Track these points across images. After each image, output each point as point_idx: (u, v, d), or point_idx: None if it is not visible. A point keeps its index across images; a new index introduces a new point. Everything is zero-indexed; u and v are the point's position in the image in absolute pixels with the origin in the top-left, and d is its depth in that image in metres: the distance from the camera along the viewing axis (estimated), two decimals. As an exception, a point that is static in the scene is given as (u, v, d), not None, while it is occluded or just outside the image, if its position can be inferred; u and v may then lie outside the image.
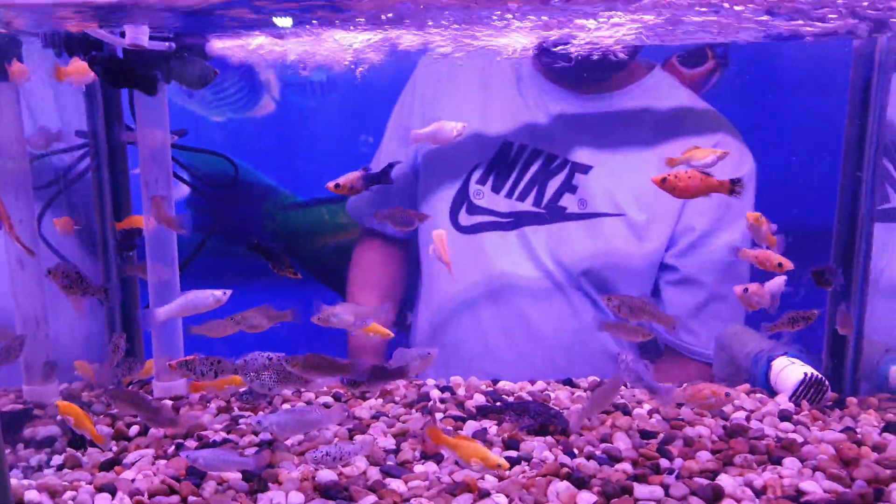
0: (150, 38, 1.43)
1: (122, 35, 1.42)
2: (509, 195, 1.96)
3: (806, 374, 1.51)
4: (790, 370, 1.55)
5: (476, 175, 1.95)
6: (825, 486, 1.15)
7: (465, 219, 1.98)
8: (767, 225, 1.37)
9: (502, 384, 1.68)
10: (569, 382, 1.69)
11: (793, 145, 2.57)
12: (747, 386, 1.62)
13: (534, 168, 1.94)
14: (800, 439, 1.32)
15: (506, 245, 1.95)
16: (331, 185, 1.43)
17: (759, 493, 1.14)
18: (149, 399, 1.30)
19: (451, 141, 1.52)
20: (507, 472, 1.21)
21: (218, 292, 1.30)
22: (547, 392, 1.62)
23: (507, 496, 1.12)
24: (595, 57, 1.70)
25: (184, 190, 1.96)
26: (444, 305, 1.97)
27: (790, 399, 1.51)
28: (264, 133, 2.83)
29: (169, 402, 1.50)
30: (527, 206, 1.94)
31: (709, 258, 1.90)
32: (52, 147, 1.62)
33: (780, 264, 1.36)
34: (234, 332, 1.30)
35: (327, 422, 1.31)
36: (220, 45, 1.60)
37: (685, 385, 1.35)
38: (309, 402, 1.55)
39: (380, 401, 1.58)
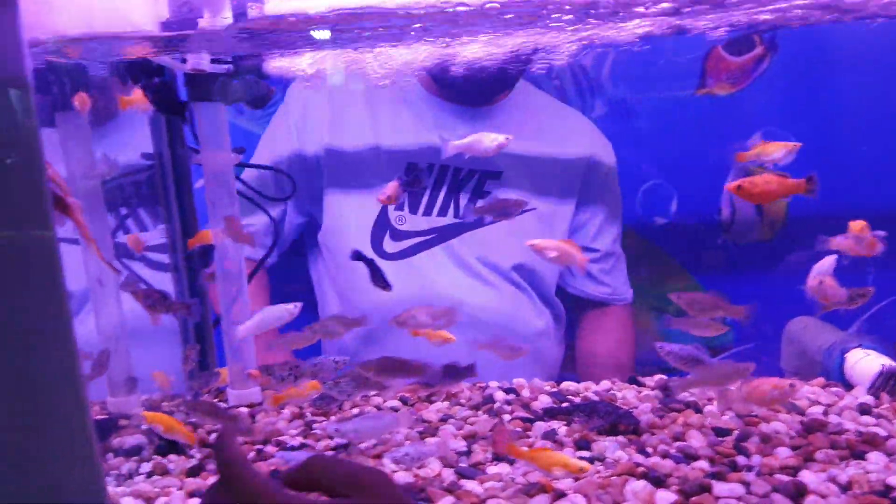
0: (212, 60, 1.50)
1: (184, 61, 1.48)
2: (427, 213, 2.06)
3: (884, 365, 1.47)
4: (866, 362, 1.51)
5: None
6: (914, 480, 1.12)
7: (390, 246, 2.06)
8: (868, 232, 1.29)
9: (566, 384, 1.68)
10: (634, 381, 1.68)
11: (852, 129, 2.50)
12: (822, 380, 1.59)
13: (446, 184, 2.06)
14: (882, 433, 1.29)
15: (434, 262, 2.04)
16: (382, 197, 1.50)
17: (844, 488, 1.12)
18: (224, 408, 1.35)
19: (489, 153, 1.56)
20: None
21: (290, 306, 1.35)
22: (612, 392, 1.62)
23: (585, 496, 1.13)
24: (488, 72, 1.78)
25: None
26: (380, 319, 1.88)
27: (868, 392, 1.47)
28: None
29: (245, 410, 1.55)
30: (448, 219, 2.06)
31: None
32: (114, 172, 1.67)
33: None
34: (313, 342, 1.34)
35: (399, 425, 1.36)
36: (275, 65, 1.65)
37: (740, 383, 1.28)
38: (378, 408, 1.58)
39: (446, 403, 1.60)
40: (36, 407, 0.97)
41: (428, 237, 2.05)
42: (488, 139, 1.53)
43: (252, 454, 1.36)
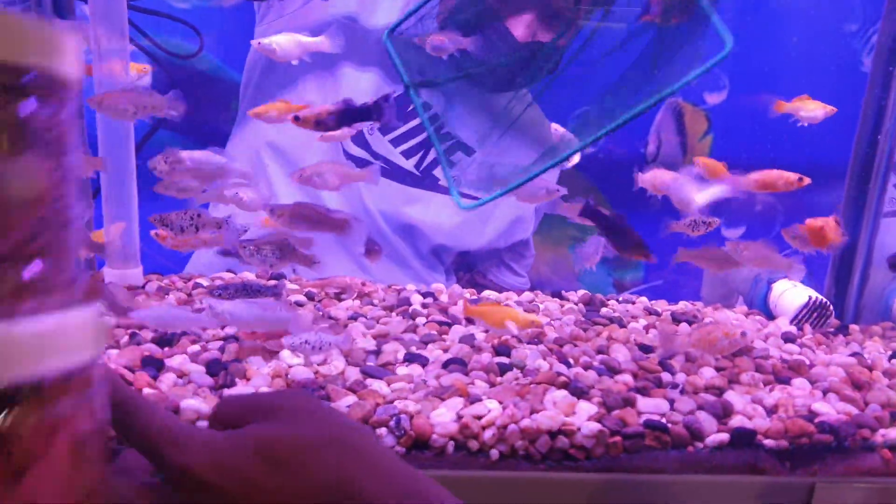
0: None
1: None
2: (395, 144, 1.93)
3: (811, 297, 1.43)
4: (792, 293, 1.47)
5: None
6: (839, 407, 1.08)
7: (353, 149, 1.92)
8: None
9: (487, 293, 1.58)
10: (558, 295, 1.59)
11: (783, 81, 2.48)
12: (745, 308, 1.55)
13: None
14: (806, 361, 1.25)
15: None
16: (291, 116, 1.17)
17: (770, 412, 1.06)
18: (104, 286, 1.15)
19: None
20: (500, 378, 1.12)
21: None
22: (535, 303, 1.52)
23: (500, 402, 1.02)
24: None
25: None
26: None
27: (791, 322, 1.43)
28: (235, 25, 2.61)
29: (124, 289, 1.35)
30: (408, 164, 1.94)
31: None
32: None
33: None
34: None
35: (293, 325, 1.12)
36: None
37: (691, 329, 1.21)
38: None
39: (357, 302, 1.46)
40: None
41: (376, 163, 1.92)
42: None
43: (126, 338, 1.18)
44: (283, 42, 1.31)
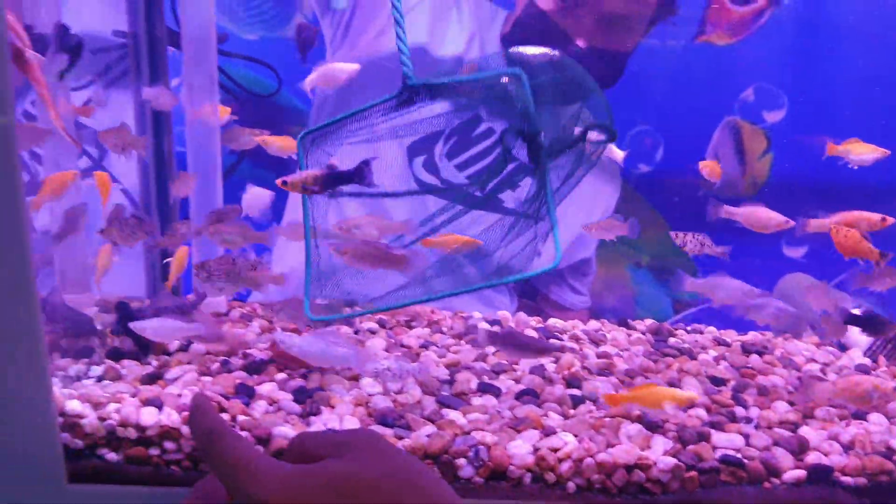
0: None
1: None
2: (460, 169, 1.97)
3: (885, 328, 1.41)
4: (866, 324, 1.45)
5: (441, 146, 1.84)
6: (918, 445, 1.07)
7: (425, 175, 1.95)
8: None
9: (553, 321, 1.60)
10: (624, 323, 1.61)
11: (849, 97, 2.44)
12: (815, 338, 1.54)
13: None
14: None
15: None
16: (279, 180, 1.20)
17: (846, 448, 1.06)
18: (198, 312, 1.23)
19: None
20: (573, 411, 1.15)
21: None
22: (602, 332, 1.54)
23: (576, 435, 1.05)
24: None
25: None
26: None
27: (865, 354, 1.42)
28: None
29: (211, 316, 1.43)
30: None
31: None
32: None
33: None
34: None
35: (350, 363, 1.18)
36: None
37: (837, 378, 1.18)
38: (357, 332, 1.47)
39: (427, 330, 1.51)
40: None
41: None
42: None
43: (217, 365, 1.25)
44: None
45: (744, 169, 2.58)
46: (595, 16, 1.80)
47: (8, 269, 0.91)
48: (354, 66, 1.42)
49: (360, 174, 1.18)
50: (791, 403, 1.19)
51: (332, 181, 1.19)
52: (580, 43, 1.80)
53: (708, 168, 1.62)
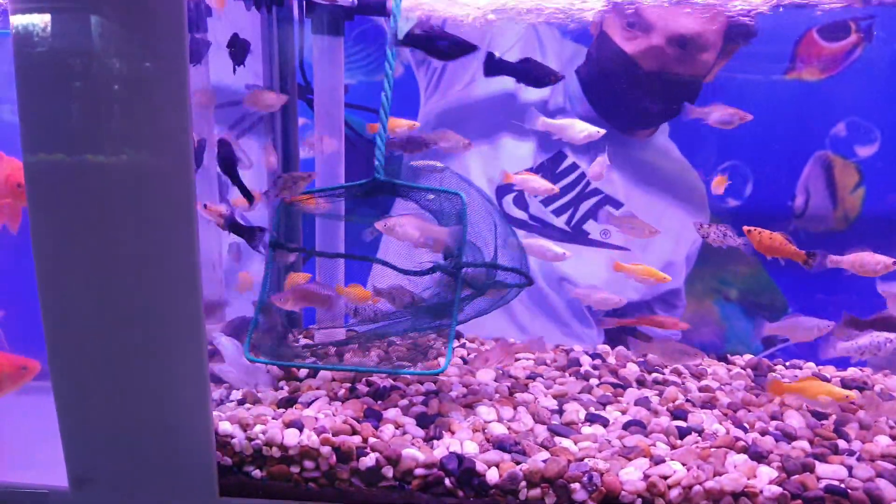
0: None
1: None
2: (546, 203, 2.09)
3: None
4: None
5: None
6: None
7: (515, 212, 2.08)
8: None
9: (652, 356, 1.67)
10: (723, 358, 1.66)
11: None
12: (917, 375, 1.55)
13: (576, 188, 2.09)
14: None
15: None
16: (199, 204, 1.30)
17: (954, 483, 1.09)
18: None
19: (575, 141, 1.59)
20: (680, 441, 1.21)
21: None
22: (702, 366, 1.60)
23: (684, 464, 1.12)
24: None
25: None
26: None
27: (971, 391, 1.42)
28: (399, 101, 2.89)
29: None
30: (559, 222, 2.09)
31: None
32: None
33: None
34: None
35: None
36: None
37: None
38: (465, 362, 1.58)
39: (531, 361, 1.60)
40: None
41: (532, 223, 2.09)
42: (579, 127, 1.57)
43: (343, 391, 1.38)
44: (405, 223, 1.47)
45: (835, 203, 2.57)
46: (662, 41, 1.88)
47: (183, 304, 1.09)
48: None
49: (251, 235, 1.41)
50: (894, 438, 1.22)
51: (233, 227, 1.41)
52: (650, 69, 1.88)
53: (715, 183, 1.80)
